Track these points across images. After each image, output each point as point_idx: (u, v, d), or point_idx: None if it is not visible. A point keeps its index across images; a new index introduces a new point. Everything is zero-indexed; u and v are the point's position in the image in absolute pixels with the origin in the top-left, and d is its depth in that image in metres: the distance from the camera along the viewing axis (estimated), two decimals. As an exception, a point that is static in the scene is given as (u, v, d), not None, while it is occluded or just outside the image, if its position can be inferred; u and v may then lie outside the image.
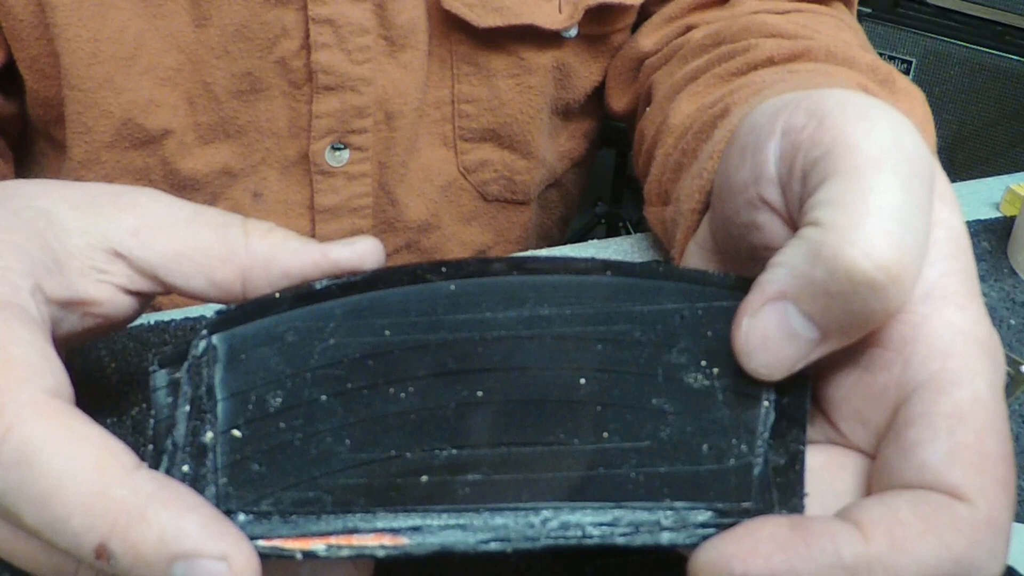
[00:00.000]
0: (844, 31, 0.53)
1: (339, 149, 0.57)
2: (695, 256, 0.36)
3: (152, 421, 0.27)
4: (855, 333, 0.26)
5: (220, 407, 0.27)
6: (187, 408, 0.27)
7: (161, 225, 0.31)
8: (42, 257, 0.29)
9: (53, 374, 0.26)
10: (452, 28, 0.56)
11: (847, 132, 0.27)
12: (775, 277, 0.26)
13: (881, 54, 1.52)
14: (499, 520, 0.25)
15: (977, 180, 0.62)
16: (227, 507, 0.26)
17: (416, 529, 0.25)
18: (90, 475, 0.24)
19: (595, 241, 0.56)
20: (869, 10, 1.54)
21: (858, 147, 0.26)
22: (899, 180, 0.25)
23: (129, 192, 0.32)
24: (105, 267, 0.31)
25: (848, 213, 0.25)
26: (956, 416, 0.25)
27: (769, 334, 0.26)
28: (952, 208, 0.28)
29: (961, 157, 1.55)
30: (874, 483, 0.27)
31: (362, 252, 0.30)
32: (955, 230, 0.28)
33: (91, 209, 0.31)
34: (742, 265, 0.32)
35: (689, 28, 0.57)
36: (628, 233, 1.37)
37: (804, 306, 0.26)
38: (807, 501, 0.26)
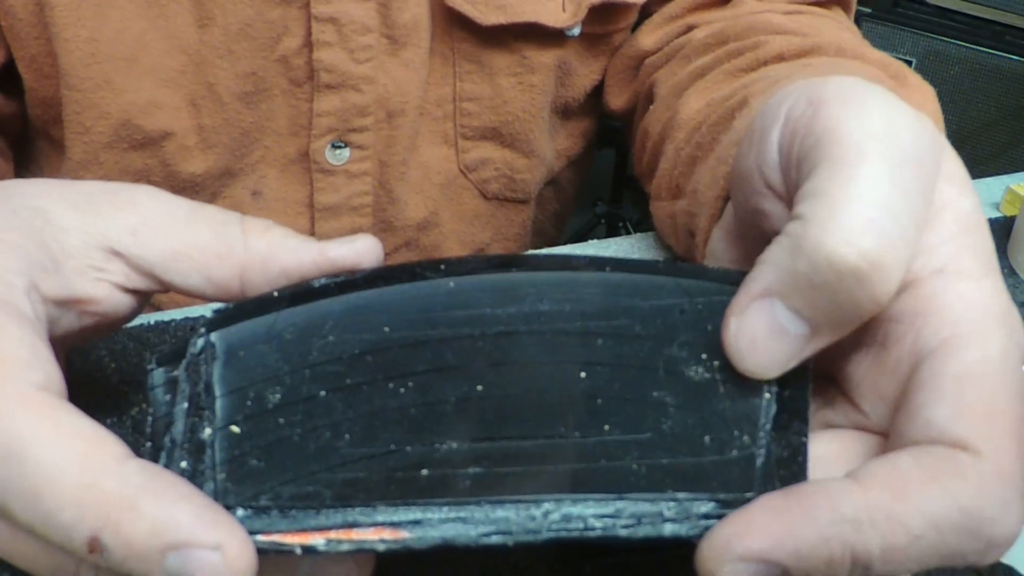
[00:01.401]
0: (845, 32, 0.53)
1: (340, 147, 0.57)
2: (719, 241, 0.36)
3: (150, 419, 0.27)
4: (845, 326, 0.26)
5: (218, 404, 0.27)
6: (185, 405, 0.27)
7: (159, 223, 0.31)
8: (39, 256, 0.29)
9: (43, 368, 0.26)
10: (455, 26, 0.56)
11: (839, 120, 0.26)
12: (759, 275, 0.26)
13: (881, 54, 1.51)
14: (500, 513, 0.25)
15: (977, 180, 0.62)
16: (226, 502, 0.25)
17: (416, 523, 0.25)
18: (79, 467, 0.24)
19: (595, 241, 0.55)
20: (869, 10, 1.54)
21: (847, 135, 0.26)
22: (885, 167, 0.25)
23: (127, 190, 0.32)
24: (103, 265, 0.31)
25: (829, 204, 0.25)
26: (964, 376, 0.25)
27: (758, 333, 0.26)
28: (961, 187, 0.28)
29: (961, 157, 1.55)
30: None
31: (360, 251, 0.30)
32: (964, 209, 0.27)
33: (89, 208, 0.31)
34: (761, 251, 0.32)
35: (690, 27, 0.57)
36: (628, 233, 1.37)
37: (790, 301, 0.26)
38: None
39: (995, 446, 0.24)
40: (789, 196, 0.29)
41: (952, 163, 0.28)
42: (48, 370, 0.26)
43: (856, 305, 0.25)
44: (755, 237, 0.32)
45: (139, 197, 0.32)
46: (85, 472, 0.24)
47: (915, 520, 0.23)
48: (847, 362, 0.28)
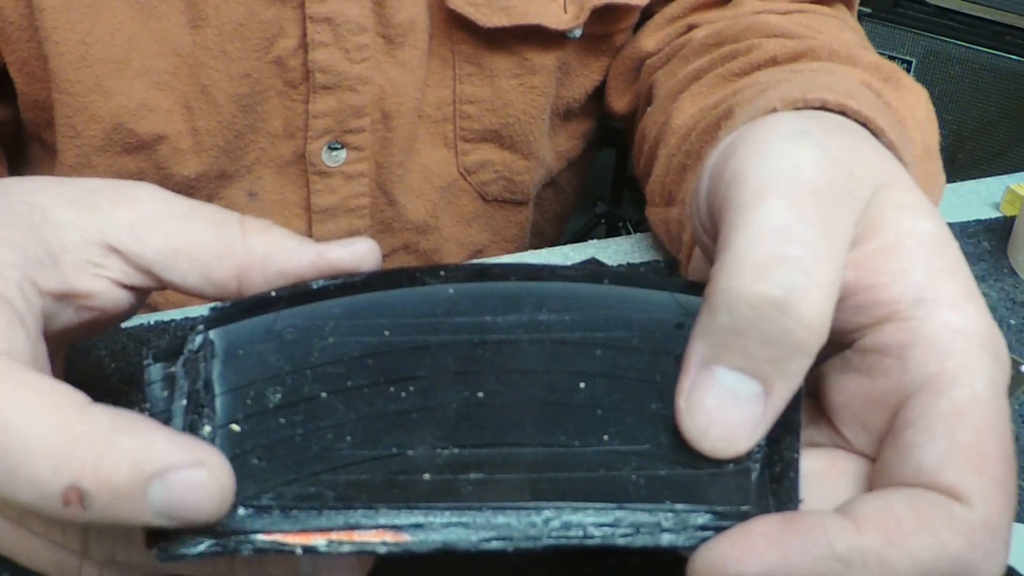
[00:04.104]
0: (846, 31, 0.53)
1: (336, 149, 0.56)
2: (700, 261, 0.36)
3: (147, 415, 0.27)
4: (793, 367, 0.25)
5: (218, 401, 0.27)
6: (184, 402, 0.27)
7: (157, 221, 0.31)
8: (36, 251, 0.29)
9: (6, 337, 0.26)
10: (455, 28, 0.56)
11: (739, 168, 0.27)
12: (689, 350, 0.26)
13: (881, 54, 1.52)
14: (501, 519, 0.25)
15: (977, 180, 0.62)
16: None
17: (418, 526, 0.25)
18: (45, 416, 0.24)
19: (595, 241, 0.55)
20: (869, 10, 1.55)
21: (744, 181, 0.26)
22: (784, 202, 0.25)
23: (126, 187, 0.32)
24: (101, 261, 0.31)
25: (732, 250, 0.25)
26: (954, 416, 0.25)
27: (710, 407, 0.26)
28: (917, 213, 0.27)
29: (961, 157, 1.56)
30: (874, 486, 0.27)
31: (359, 253, 0.30)
32: (926, 234, 0.27)
33: (86, 205, 0.31)
34: None
35: (691, 28, 0.57)
36: (628, 233, 1.37)
37: (728, 361, 0.25)
38: (802, 507, 0.26)
39: (985, 496, 0.24)
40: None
41: (903, 192, 0.28)
42: (12, 339, 0.26)
43: (791, 337, 0.25)
44: None
45: (137, 194, 0.32)
46: (52, 420, 0.24)
47: (904, 565, 0.24)
48: (830, 387, 0.28)
